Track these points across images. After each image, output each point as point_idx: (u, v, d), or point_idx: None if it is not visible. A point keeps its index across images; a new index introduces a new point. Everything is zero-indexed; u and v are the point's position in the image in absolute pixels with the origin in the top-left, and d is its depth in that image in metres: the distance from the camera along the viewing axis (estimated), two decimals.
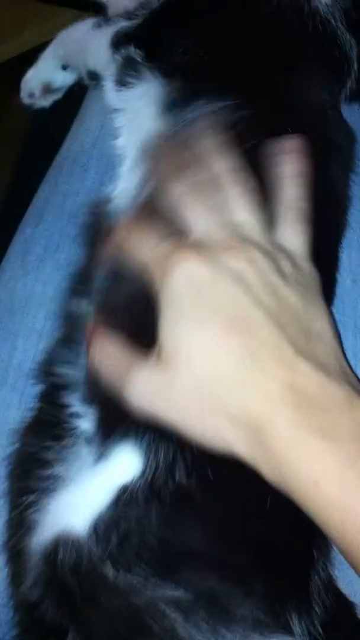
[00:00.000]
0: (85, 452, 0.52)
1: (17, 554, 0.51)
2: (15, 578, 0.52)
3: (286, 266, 0.48)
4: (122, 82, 0.65)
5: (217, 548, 0.48)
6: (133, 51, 0.65)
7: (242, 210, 0.51)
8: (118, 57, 0.66)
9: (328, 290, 0.58)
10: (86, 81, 0.77)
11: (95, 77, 0.73)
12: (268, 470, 0.43)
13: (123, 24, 0.69)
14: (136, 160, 0.62)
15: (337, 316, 0.59)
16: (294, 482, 0.42)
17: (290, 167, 0.53)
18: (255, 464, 0.43)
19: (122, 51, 0.66)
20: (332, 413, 0.42)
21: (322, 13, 0.64)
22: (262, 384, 0.43)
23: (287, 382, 0.43)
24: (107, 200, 0.62)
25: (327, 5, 0.64)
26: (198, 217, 0.50)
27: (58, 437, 0.53)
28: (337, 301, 0.62)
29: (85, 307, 0.56)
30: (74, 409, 0.54)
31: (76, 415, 0.53)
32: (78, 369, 0.54)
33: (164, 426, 0.45)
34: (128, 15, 0.69)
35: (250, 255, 0.47)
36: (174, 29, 0.65)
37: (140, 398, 0.46)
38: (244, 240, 0.48)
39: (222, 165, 0.52)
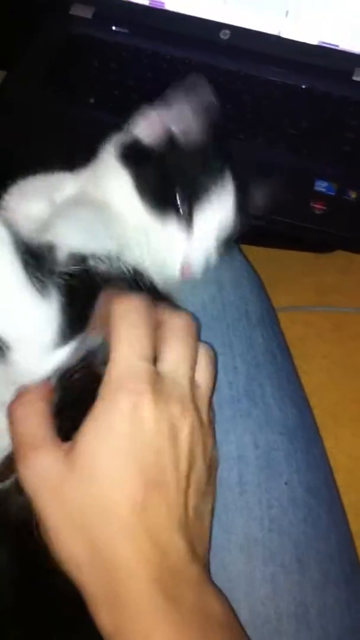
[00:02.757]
0: None
1: None
2: None
3: (209, 444, 0.52)
4: None
5: None
6: None
7: (207, 376, 0.53)
8: None
9: None
10: None
11: None
12: (106, 615, 0.44)
13: None
14: None
15: None
16: (128, 635, 0.43)
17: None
18: (95, 603, 0.44)
19: None
20: (184, 587, 0.45)
21: None
22: (141, 540, 0.44)
23: (162, 549, 0.45)
24: None
25: None
26: (179, 360, 0.50)
27: None
28: None
29: None
30: None
31: None
32: None
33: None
34: None
35: (194, 421, 0.49)
36: None
37: (31, 478, 0.46)
38: (197, 403, 0.50)
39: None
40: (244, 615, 0.59)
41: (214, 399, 0.69)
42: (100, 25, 1.18)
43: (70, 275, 0.56)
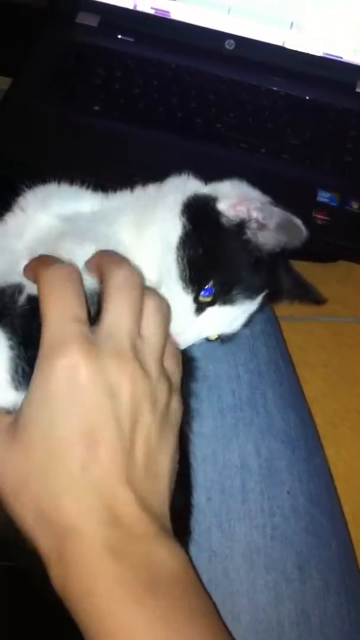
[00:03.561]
0: None
1: None
2: None
3: (161, 398, 0.50)
4: None
5: None
6: None
7: (152, 327, 0.51)
8: None
9: None
10: None
11: None
12: (55, 574, 0.44)
13: None
14: None
15: None
16: (74, 591, 0.44)
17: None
18: (49, 564, 0.45)
19: None
20: (132, 542, 0.45)
21: None
22: (85, 499, 0.45)
23: (106, 503, 0.45)
24: None
25: None
26: (115, 313, 0.49)
27: None
28: None
29: None
30: None
31: None
32: None
33: None
34: None
35: (135, 375, 0.48)
36: None
37: None
38: (137, 356, 0.48)
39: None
40: (246, 622, 0.59)
41: (216, 407, 0.71)
42: (105, 34, 1.19)
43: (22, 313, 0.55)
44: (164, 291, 0.57)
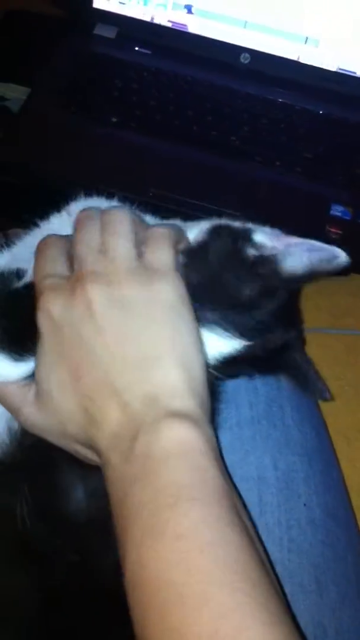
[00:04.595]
0: None
1: None
2: None
3: (129, 291, 0.51)
4: None
5: None
6: None
7: (112, 237, 0.54)
8: None
9: None
10: None
11: None
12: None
13: None
14: None
15: None
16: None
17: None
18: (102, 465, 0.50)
19: None
20: (132, 441, 0.48)
21: None
22: (100, 423, 0.50)
23: (114, 419, 0.49)
24: None
25: None
26: (80, 244, 0.54)
27: None
28: None
29: None
30: None
31: None
32: None
33: None
34: None
35: (91, 292, 0.51)
36: None
37: (27, 423, 0.55)
38: (91, 275, 0.52)
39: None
40: None
41: (234, 419, 0.71)
42: (123, 46, 1.20)
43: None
44: None
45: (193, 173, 1.03)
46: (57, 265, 0.54)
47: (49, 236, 0.57)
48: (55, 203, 0.68)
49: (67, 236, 0.57)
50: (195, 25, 1.18)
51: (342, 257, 0.58)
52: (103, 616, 0.56)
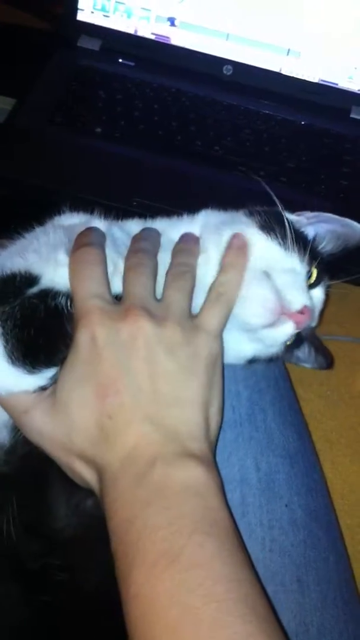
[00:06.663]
0: None
1: None
2: None
3: (174, 336, 0.56)
4: None
5: None
6: None
7: (174, 289, 0.59)
8: None
9: None
10: None
11: None
12: (103, 495, 0.52)
13: None
14: None
15: None
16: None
17: (233, 258, 0.63)
18: (100, 494, 0.53)
19: None
20: (150, 467, 0.51)
21: None
22: (114, 443, 0.52)
23: (130, 443, 0.52)
24: None
25: None
26: (136, 285, 0.58)
27: None
28: None
29: None
30: None
31: None
32: None
33: None
34: None
35: (141, 325, 0.54)
36: None
37: (29, 427, 0.56)
38: (143, 310, 0.55)
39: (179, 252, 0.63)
40: None
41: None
42: (107, 58, 1.22)
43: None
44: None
45: (177, 183, 1.03)
46: (103, 288, 0.57)
47: (92, 247, 0.59)
48: (39, 214, 0.68)
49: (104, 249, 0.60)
50: (178, 38, 1.20)
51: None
52: (88, 631, 0.57)
